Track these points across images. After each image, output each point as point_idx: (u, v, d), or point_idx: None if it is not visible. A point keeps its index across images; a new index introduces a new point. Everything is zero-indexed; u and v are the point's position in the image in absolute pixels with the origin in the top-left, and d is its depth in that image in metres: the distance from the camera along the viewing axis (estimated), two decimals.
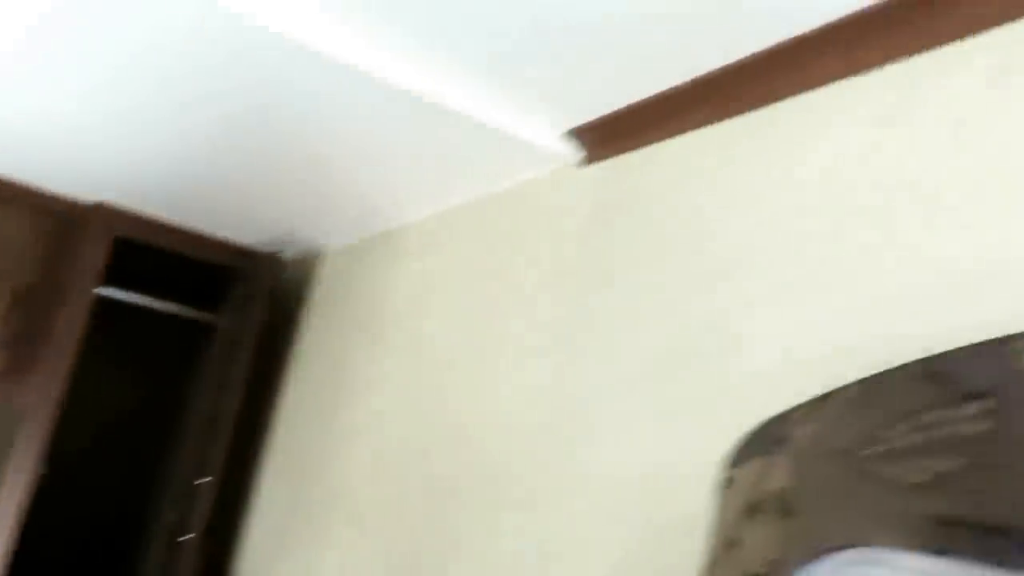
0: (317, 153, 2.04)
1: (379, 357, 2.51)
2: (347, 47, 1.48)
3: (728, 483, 1.17)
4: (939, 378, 0.96)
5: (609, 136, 1.60)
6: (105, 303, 3.09)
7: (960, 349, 0.96)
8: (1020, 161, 1.15)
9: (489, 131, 1.65)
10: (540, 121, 1.63)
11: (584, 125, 1.62)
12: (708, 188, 1.55)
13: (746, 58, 1.40)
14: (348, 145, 1.93)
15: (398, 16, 1.40)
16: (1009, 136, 1.18)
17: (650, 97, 1.53)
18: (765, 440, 1.13)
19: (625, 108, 1.55)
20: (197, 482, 2.84)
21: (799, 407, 1.11)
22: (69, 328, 2.75)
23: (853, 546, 0.89)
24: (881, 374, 1.04)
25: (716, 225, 1.52)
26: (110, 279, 3.04)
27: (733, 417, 1.28)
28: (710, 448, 1.30)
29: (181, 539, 2.77)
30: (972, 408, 0.89)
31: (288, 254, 3.14)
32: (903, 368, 1.01)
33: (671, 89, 1.51)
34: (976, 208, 1.19)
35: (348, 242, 2.92)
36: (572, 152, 1.69)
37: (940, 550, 0.83)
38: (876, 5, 1.25)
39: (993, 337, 0.93)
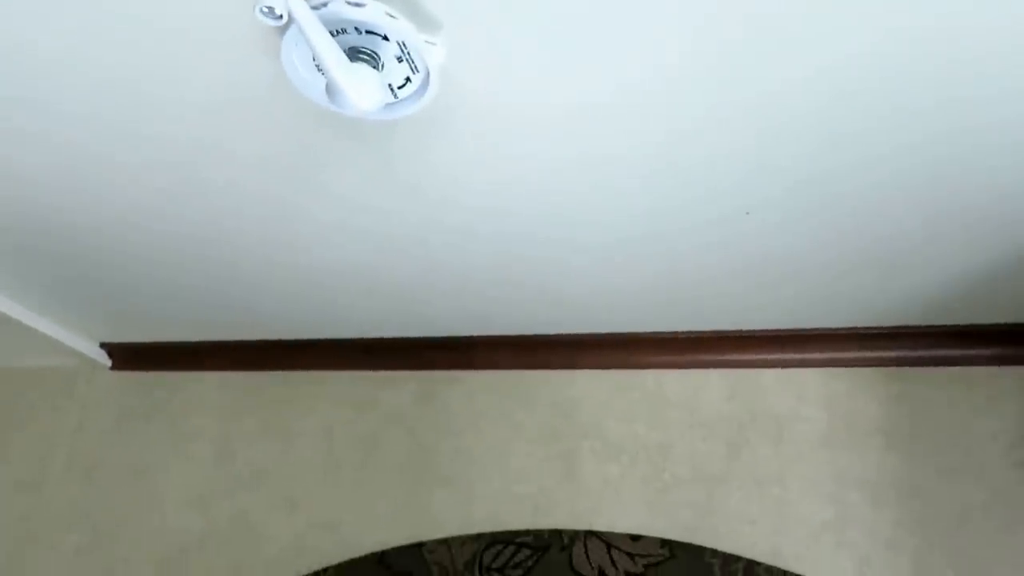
0: None
1: None
2: None
3: None
4: (385, 563, 1.65)
5: (133, 356, 2.10)
6: None
7: (398, 548, 1.67)
8: None
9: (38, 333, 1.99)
10: (80, 331, 2.04)
11: (113, 343, 2.10)
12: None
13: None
14: None
15: None
16: None
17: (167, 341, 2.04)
18: None
19: (150, 343, 2.07)
20: None
21: None
22: None
23: None
24: (352, 561, 1.69)
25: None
26: None
27: None
28: None
29: None
30: None
31: None
32: (366, 558, 1.68)
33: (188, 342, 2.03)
34: None
35: None
36: (104, 358, 2.12)
37: None
38: None
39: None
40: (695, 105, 1.02)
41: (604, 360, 1.70)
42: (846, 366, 1.59)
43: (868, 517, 1.49)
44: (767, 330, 1.61)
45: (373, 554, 1.69)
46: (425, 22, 0.94)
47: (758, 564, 1.47)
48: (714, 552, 1.50)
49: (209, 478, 1.92)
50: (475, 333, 1.76)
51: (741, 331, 1.62)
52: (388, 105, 1.04)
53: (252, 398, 1.97)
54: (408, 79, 1.01)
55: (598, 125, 1.07)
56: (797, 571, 1.47)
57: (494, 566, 1.58)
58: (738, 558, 1.48)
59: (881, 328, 1.56)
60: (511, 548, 1.59)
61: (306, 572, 1.73)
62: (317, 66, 0.99)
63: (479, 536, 1.63)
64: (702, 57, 0.94)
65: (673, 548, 1.51)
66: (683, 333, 1.65)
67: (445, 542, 1.63)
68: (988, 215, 1.18)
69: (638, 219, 1.27)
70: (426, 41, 0.96)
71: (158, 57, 1.03)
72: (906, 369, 1.57)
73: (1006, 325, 1.52)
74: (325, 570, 1.70)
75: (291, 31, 0.95)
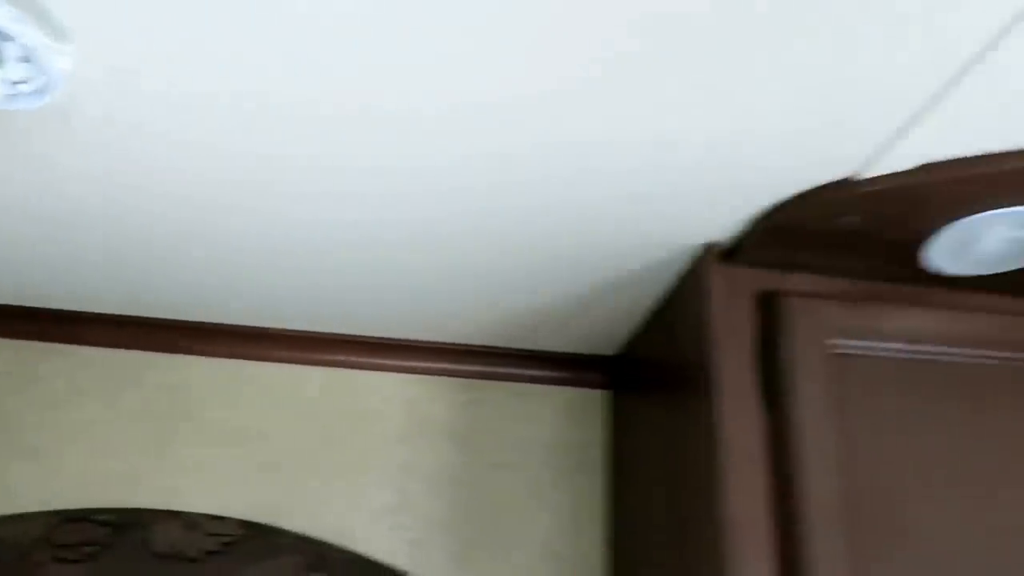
0: None
1: None
2: None
3: None
4: None
5: None
6: None
7: None
8: None
9: None
10: None
11: None
12: None
13: None
14: None
15: None
16: None
17: None
18: None
19: None
20: None
21: None
22: None
23: None
24: None
25: None
26: None
27: None
28: None
29: None
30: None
31: None
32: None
33: None
34: None
35: None
36: None
37: None
38: None
39: None
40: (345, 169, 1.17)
41: (214, 348, 1.79)
42: (428, 374, 1.85)
43: (424, 504, 1.75)
44: (366, 336, 1.81)
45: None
46: (55, 28, 0.98)
47: (326, 543, 1.67)
48: (290, 533, 1.67)
49: None
50: (85, 308, 1.74)
51: (343, 335, 1.81)
52: (8, 97, 1.05)
53: None
54: (29, 79, 1.03)
55: (230, 142, 1.18)
56: (360, 550, 1.70)
57: (67, 543, 1.60)
58: (311, 539, 1.67)
59: (460, 345, 1.85)
60: (88, 525, 1.62)
61: None
62: None
63: (55, 512, 1.63)
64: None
65: (251, 528, 1.66)
66: (292, 331, 1.80)
67: (16, 517, 1.61)
68: (550, 263, 1.48)
69: (265, 228, 1.40)
70: (53, 46, 0.99)
71: None
72: (477, 381, 1.87)
73: (557, 353, 1.88)
74: None
75: None
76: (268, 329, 1.80)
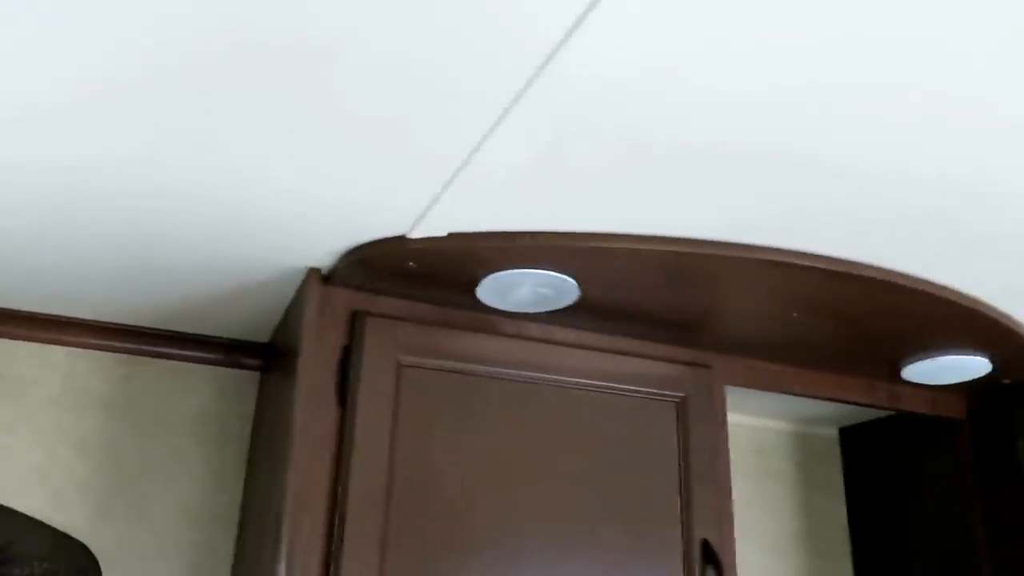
0: None
1: None
2: None
3: None
4: None
5: None
6: None
7: None
8: None
9: None
10: None
11: None
12: None
13: None
14: None
15: None
16: None
17: None
18: None
19: None
20: None
21: None
22: None
23: None
24: None
25: None
26: None
27: None
28: None
29: None
30: None
31: None
32: None
33: None
34: None
35: None
36: None
37: None
38: None
39: None
40: None
41: None
42: (90, 349, 2.04)
43: (72, 465, 1.95)
44: (28, 311, 1.97)
45: None
46: None
47: None
48: None
49: None
50: None
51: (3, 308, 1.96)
52: None
53: None
54: None
55: None
56: (5, 503, 1.87)
57: None
58: None
59: (124, 325, 2.05)
60: None
61: None
62: None
63: None
64: None
65: None
66: None
67: None
68: (199, 263, 1.70)
69: None
70: None
71: None
72: (138, 358, 2.08)
73: (221, 337, 2.13)
74: None
75: None
76: None
